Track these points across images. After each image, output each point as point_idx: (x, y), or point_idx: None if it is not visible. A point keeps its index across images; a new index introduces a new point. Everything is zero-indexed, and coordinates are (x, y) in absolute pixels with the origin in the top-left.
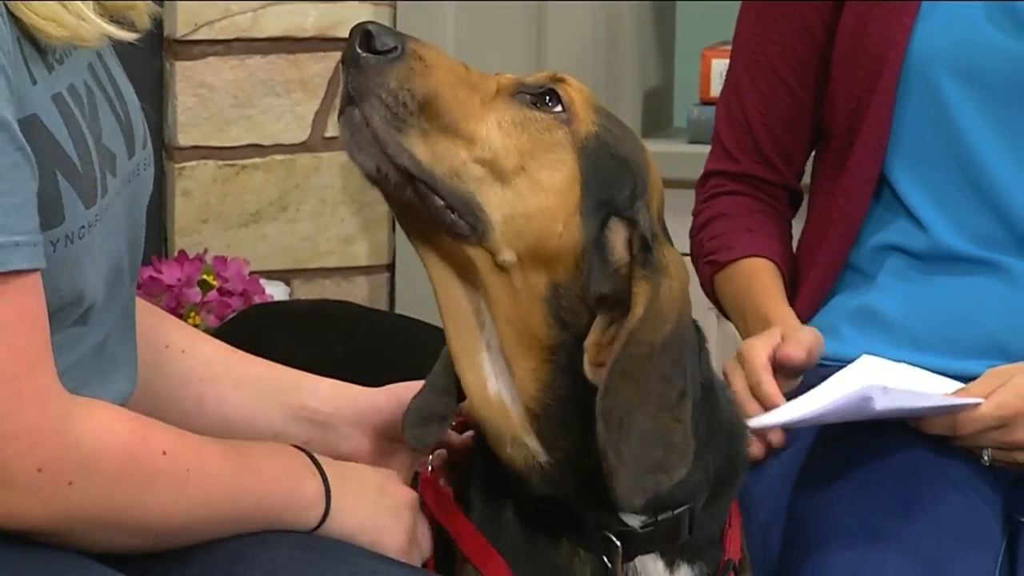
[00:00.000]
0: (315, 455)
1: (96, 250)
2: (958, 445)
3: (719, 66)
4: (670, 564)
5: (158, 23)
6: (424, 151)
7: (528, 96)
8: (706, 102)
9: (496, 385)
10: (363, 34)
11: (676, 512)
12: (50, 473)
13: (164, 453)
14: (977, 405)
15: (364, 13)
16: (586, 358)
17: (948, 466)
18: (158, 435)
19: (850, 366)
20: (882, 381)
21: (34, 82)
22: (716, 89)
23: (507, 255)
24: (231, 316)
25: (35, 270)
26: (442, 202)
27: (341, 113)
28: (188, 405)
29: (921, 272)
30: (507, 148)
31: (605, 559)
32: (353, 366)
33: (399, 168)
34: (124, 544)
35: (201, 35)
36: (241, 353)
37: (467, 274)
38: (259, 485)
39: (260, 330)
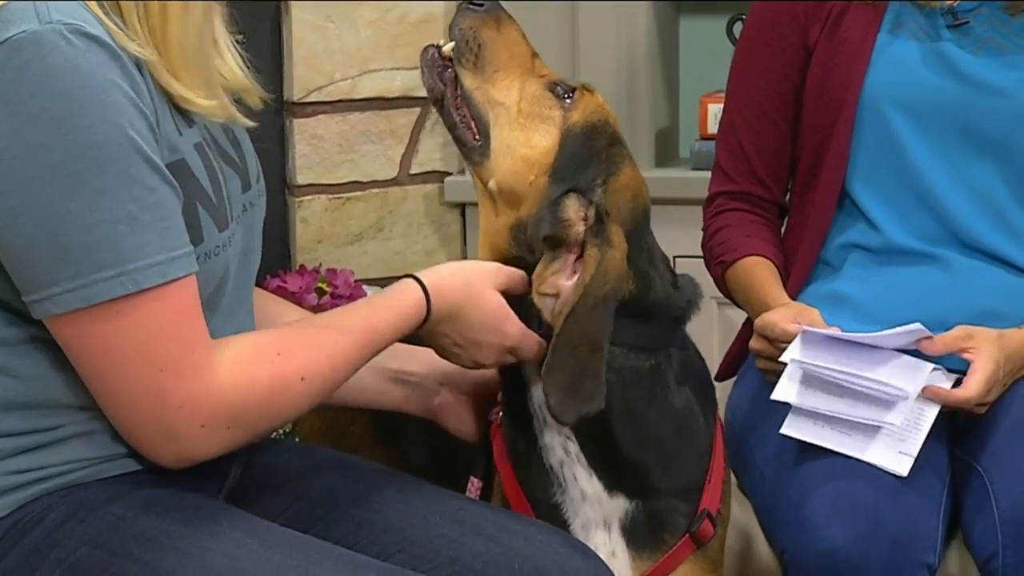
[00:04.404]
0: (429, 291)
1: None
2: None
3: (714, 109)
4: (608, 488)
5: (278, 89)
6: (469, 80)
7: (558, 87)
8: (704, 138)
9: None
10: None
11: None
12: (210, 427)
13: (302, 379)
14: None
15: None
16: (534, 286)
17: None
18: (296, 365)
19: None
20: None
21: (181, 133)
22: (712, 128)
23: (493, 184)
24: None
25: (190, 274)
26: (460, 119)
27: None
28: None
29: (877, 264)
30: (519, 107)
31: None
32: None
33: (444, 83)
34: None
35: (312, 98)
36: None
37: (478, 193)
38: (384, 341)
39: None
